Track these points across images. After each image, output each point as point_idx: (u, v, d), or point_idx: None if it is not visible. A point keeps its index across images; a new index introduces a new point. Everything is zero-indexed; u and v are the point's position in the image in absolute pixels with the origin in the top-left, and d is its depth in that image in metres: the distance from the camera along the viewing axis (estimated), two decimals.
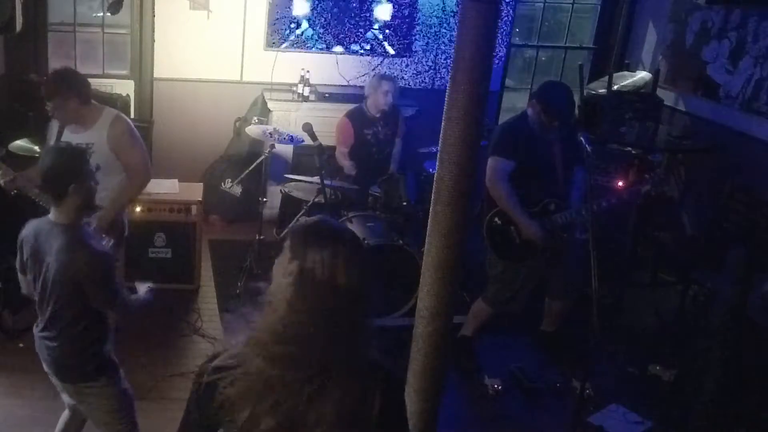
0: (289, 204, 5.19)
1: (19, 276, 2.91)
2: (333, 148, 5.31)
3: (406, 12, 5.99)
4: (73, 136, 3.65)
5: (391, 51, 6.11)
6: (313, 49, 5.96)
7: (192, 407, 1.69)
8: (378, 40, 6.05)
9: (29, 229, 2.80)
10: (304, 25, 5.86)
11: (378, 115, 5.26)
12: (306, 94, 5.86)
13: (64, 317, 2.72)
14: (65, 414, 3.13)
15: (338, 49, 5.98)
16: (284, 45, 5.89)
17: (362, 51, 6.04)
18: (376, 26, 5.98)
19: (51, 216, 2.73)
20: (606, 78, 5.90)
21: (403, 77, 6.15)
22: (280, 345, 1.57)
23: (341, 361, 1.58)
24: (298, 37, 5.90)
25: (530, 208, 3.93)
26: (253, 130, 5.08)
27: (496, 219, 4.02)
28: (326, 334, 1.57)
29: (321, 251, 1.59)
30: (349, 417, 1.58)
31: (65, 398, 3.02)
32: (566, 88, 4.03)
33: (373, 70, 5.98)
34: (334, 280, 1.57)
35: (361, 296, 1.61)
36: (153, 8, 5.68)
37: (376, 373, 1.64)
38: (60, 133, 3.69)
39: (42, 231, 2.74)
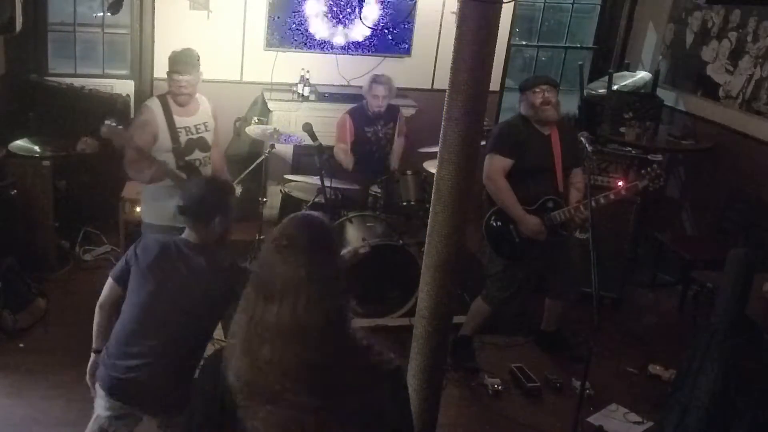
0: (289, 204, 5.18)
1: (110, 284, 2.80)
2: (333, 148, 5.31)
3: (407, 12, 6.00)
4: (186, 120, 3.83)
5: (391, 51, 6.11)
6: (314, 49, 5.96)
7: (197, 398, 1.70)
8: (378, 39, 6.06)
9: (152, 244, 2.75)
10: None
11: (377, 114, 5.25)
12: (306, 94, 5.85)
13: (181, 341, 2.63)
14: None
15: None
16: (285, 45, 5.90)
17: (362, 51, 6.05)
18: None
19: (186, 236, 2.74)
20: (606, 78, 5.90)
21: (403, 77, 6.16)
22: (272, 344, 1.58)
23: (336, 358, 1.58)
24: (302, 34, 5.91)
25: (528, 206, 3.94)
26: (253, 130, 5.08)
27: (495, 218, 4.02)
28: (306, 332, 1.58)
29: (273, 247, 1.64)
30: (353, 413, 1.59)
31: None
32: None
33: (373, 70, 5.97)
34: (287, 274, 1.60)
35: (328, 289, 1.62)
36: (153, 8, 5.68)
37: (378, 367, 1.65)
38: (170, 120, 3.77)
39: (172, 249, 2.70)
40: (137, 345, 2.63)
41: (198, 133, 3.87)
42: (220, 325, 4.47)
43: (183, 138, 3.81)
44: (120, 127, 3.59)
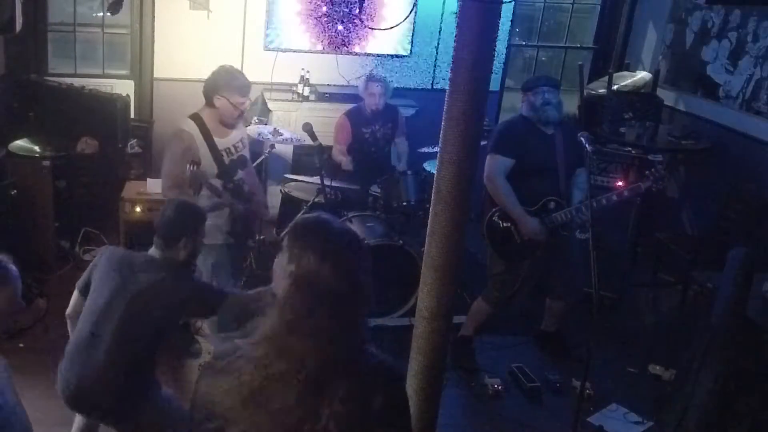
0: (289, 204, 5.18)
1: (75, 296, 2.94)
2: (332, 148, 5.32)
3: (406, 12, 6.00)
4: (225, 140, 3.64)
5: (391, 51, 6.12)
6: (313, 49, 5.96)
7: (194, 401, 1.70)
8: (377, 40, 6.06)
9: (114, 254, 2.86)
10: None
11: (375, 114, 5.26)
12: (306, 94, 5.86)
13: (130, 352, 2.70)
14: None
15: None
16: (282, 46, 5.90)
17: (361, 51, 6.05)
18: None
19: (152, 252, 2.85)
20: (606, 78, 5.90)
21: (403, 77, 6.16)
22: (281, 342, 1.58)
23: (342, 360, 1.59)
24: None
25: (530, 207, 3.93)
26: (253, 130, 5.08)
27: (497, 218, 4.02)
28: (327, 333, 1.57)
29: (315, 251, 1.59)
30: (350, 415, 1.58)
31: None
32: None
33: (373, 70, 5.98)
34: (328, 280, 1.58)
35: (358, 296, 1.62)
36: (153, 8, 5.68)
37: (377, 370, 1.65)
38: (211, 143, 3.56)
39: (134, 261, 2.80)
40: (87, 355, 2.72)
41: (237, 152, 3.70)
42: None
43: (226, 160, 3.62)
44: (201, 169, 3.46)
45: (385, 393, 1.62)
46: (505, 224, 3.99)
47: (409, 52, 6.14)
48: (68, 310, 2.95)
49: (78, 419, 2.95)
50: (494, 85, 6.13)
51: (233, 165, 3.65)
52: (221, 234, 3.63)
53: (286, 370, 1.57)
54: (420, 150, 5.38)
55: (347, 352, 1.60)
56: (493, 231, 4.04)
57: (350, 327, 1.61)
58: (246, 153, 3.79)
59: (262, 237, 4.90)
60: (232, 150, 3.68)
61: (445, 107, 2.45)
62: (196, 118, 3.60)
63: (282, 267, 1.63)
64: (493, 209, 4.02)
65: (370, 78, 5.22)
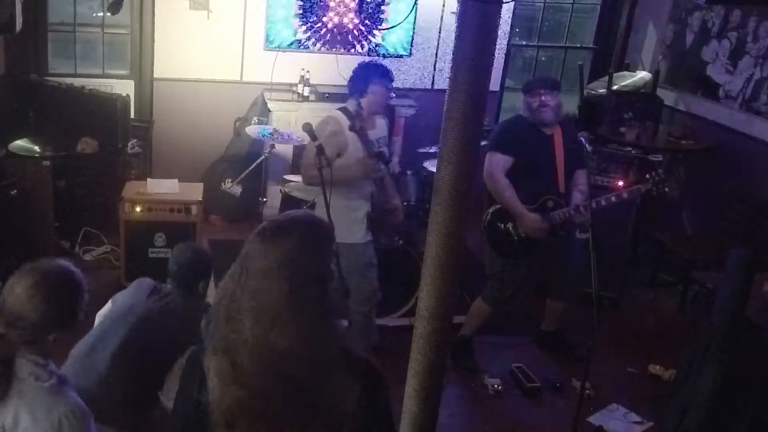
0: (289, 204, 5.17)
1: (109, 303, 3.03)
2: None
3: (406, 12, 5.99)
4: (370, 133, 3.77)
5: (391, 51, 6.11)
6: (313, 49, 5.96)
7: (181, 392, 1.71)
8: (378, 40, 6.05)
9: (145, 280, 2.96)
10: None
11: None
12: (306, 94, 5.85)
13: (137, 368, 2.75)
14: None
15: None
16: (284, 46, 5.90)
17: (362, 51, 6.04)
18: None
19: (171, 286, 2.92)
20: (606, 78, 5.90)
21: (403, 77, 6.15)
22: (255, 339, 1.58)
23: (310, 355, 1.58)
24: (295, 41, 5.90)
25: (528, 205, 3.94)
26: (253, 130, 5.08)
27: (494, 216, 4.02)
28: (289, 328, 1.57)
29: (266, 247, 1.66)
30: (326, 411, 1.58)
31: None
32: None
33: None
34: (275, 273, 1.60)
35: (307, 288, 1.61)
36: (153, 8, 5.68)
37: (355, 368, 1.64)
38: (366, 139, 3.71)
39: (156, 286, 2.90)
40: (96, 359, 2.75)
41: (379, 146, 3.84)
42: None
43: (374, 149, 3.76)
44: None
45: (362, 390, 1.62)
46: (503, 223, 3.99)
47: (409, 52, 6.14)
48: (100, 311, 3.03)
49: None
50: (494, 85, 6.13)
51: (379, 152, 3.78)
52: (355, 232, 3.72)
53: (264, 367, 1.57)
54: (420, 150, 5.38)
55: (319, 348, 1.59)
56: (491, 229, 4.04)
57: (314, 320, 1.60)
58: (386, 152, 3.88)
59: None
60: (375, 144, 3.81)
61: (445, 107, 2.45)
62: (343, 110, 3.77)
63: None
64: (491, 207, 4.03)
65: None
